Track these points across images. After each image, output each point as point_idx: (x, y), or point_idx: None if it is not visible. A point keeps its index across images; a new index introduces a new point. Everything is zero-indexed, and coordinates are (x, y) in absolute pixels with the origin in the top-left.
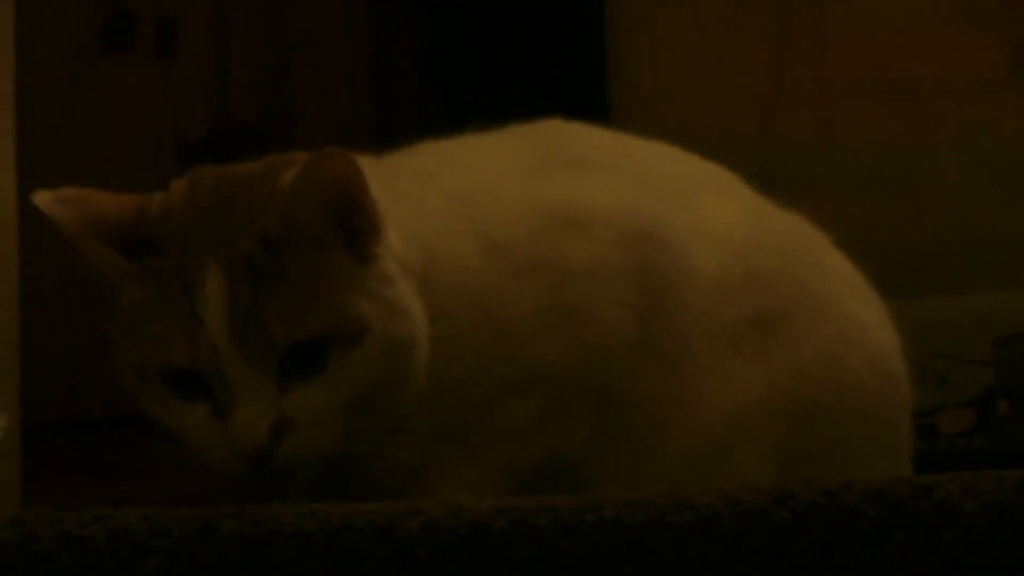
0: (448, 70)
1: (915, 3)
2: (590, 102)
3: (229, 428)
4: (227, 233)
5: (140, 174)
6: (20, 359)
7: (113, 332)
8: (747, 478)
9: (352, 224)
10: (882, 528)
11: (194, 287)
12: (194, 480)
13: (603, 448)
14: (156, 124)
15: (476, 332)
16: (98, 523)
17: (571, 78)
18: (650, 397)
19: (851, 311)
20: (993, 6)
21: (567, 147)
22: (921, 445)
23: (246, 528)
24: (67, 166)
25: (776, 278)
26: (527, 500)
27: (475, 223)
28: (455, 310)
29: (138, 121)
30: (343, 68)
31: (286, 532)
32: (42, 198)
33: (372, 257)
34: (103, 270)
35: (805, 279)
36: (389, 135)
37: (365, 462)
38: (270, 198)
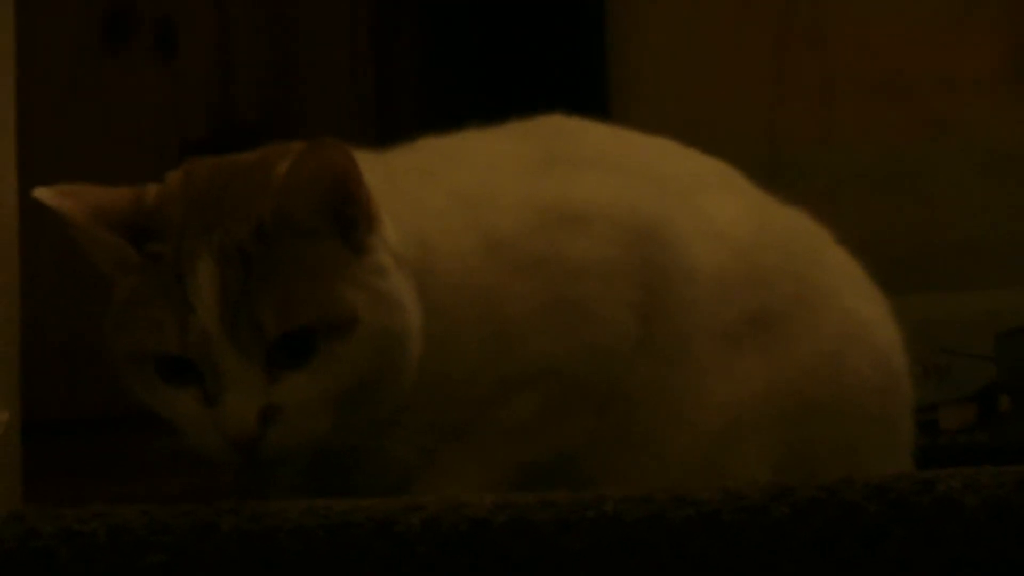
0: (449, 67)
1: (916, 3)
2: (590, 98)
3: (218, 415)
4: (220, 222)
5: (142, 173)
6: (20, 357)
7: (106, 321)
8: (748, 475)
9: (346, 214)
10: (883, 523)
11: (186, 275)
12: (192, 477)
13: (603, 445)
14: (158, 123)
15: (476, 329)
16: (98, 519)
17: (571, 74)
18: (650, 394)
19: (853, 307)
20: (993, 6)
21: (568, 143)
22: (922, 440)
23: (246, 524)
24: (68, 165)
25: (777, 275)
26: (527, 496)
27: (475, 219)
28: (455, 306)
29: (140, 120)
30: (345, 66)
31: (286, 528)
32: (43, 192)
33: (365, 248)
34: (105, 261)
35: (807, 276)
36: (391, 131)
37: (360, 457)
38: (264, 187)
